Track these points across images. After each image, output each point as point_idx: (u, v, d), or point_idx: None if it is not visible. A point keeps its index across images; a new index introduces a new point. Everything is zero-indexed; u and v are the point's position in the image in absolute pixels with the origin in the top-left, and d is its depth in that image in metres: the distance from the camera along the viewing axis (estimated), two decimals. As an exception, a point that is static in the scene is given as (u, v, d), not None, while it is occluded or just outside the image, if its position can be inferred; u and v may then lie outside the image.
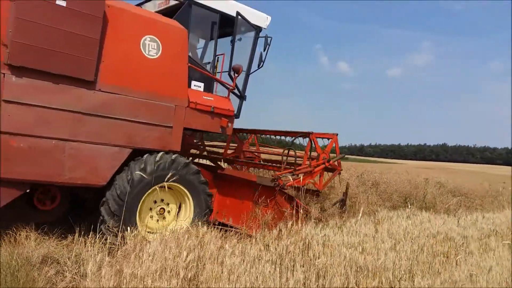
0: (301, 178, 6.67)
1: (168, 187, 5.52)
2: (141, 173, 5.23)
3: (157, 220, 5.76)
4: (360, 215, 6.67)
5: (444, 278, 4.89)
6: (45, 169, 4.68)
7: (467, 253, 6.41)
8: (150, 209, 5.68)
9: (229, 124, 6.59)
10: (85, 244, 4.53)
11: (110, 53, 5.06)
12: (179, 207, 6.00)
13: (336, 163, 7.38)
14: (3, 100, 4.39)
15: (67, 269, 4.02)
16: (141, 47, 5.39)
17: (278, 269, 4.23)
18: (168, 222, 5.82)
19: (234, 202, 7.03)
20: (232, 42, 6.81)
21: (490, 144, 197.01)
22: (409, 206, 9.15)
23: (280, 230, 5.76)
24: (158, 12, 6.43)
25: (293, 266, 4.54)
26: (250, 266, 4.18)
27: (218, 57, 6.79)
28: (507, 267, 5.59)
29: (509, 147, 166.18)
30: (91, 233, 4.51)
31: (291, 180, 6.44)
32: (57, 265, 4.19)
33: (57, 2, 4.60)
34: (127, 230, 4.91)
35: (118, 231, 4.93)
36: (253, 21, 6.90)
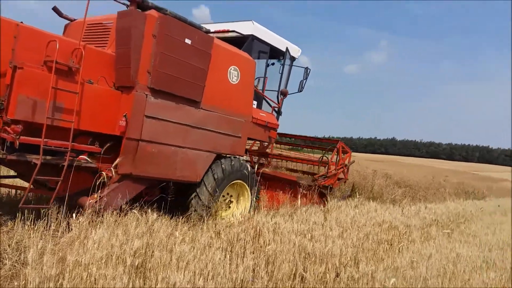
0: (328, 179, 8.92)
1: (233, 184, 7.01)
2: (231, 168, 6.77)
3: (224, 210, 6.96)
4: (299, 203, 7.43)
5: (387, 264, 5.10)
6: (166, 169, 5.86)
7: (410, 241, 6.72)
8: (223, 196, 6.97)
9: (276, 136, 8.35)
10: (27, 230, 4.32)
11: (210, 79, 6.27)
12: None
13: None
14: (145, 115, 5.46)
15: (6, 256, 3.83)
16: (228, 75, 6.69)
17: (228, 256, 4.23)
18: (231, 211, 7.10)
19: (272, 195, 8.58)
20: (282, 69, 8.44)
21: (435, 140, 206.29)
22: (357, 196, 9.45)
23: (231, 217, 5.91)
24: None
25: (244, 253, 4.58)
26: (200, 253, 4.17)
27: (259, 79, 8.13)
28: (446, 255, 5.91)
29: (453, 143, 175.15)
30: (31, 219, 4.32)
31: (323, 180, 8.75)
32: (-5, 252, 3.98)
33: (186, 41, 5.77)
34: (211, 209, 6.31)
35: (211, 208, 6.30)
36: (291, 52, 8.49)
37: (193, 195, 6.35)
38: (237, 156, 7.14)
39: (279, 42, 8.27)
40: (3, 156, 4.56)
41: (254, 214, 6.50)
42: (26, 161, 4.68)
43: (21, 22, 4.74)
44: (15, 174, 6.15)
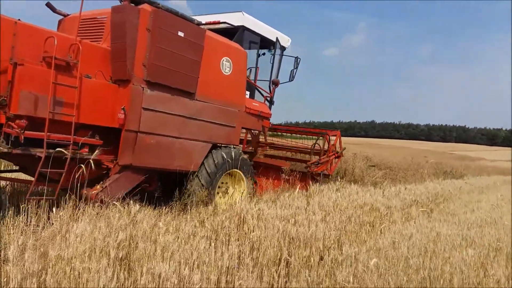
0: (321, 166, 9.28)
1: (229, 173, 7.21)
2: (227, 157, 6.91)
3: (219, 197, 7.15)
4: (297, 190, 7.42)
5: (369, 245, 5.19)
6: (164, 159, 6.07)
7: (391, 222, 6.85)
8: (218, 187, 7.11)
9: (269, 124, 8.67)
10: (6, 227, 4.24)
11: (203, 71, 6.43)
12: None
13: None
14: (142, 108, 5.63)
15: (-14, 254, 3.76)
16: (220, 66, 6.86)
17: (213, 244, 4.24)
18: (227, 199, 7.22)
19: (265, 182, 8.77)
20: (273, 59, 8.75)
21: (413, 121, 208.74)
22: (339, 179, 9.55)
23: (216, 206, 5.94)
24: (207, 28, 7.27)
25: (228, 240, 4.59)
26: (184, 243, 4.16)
27: (251, 69, 8.31)
28: (426, 234, 6.04)
29: (431, 124, 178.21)
30: (10, 214, 4.24)
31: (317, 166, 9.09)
32: (-26, 251, 3.89)
33: (179, 33, 5.93)
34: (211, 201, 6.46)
35: (207, 200, 6.38)
36: (281, 42, 8.73)
37: (191, 184, 6.49)
38: (232, 146, 7.29)
39: (269, 32, 8.46)
40: (9, 150, 4.68)
41: (239, 201, 6.52)
42: (30, 154, 4.81)
43: (19, 20, 4.83)
44: (12, 168, 6.35)
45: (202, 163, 6.64)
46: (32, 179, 5.64)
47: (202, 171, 6.60)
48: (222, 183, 7.20)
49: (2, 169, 7.16)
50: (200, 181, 6.54)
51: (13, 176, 6.28)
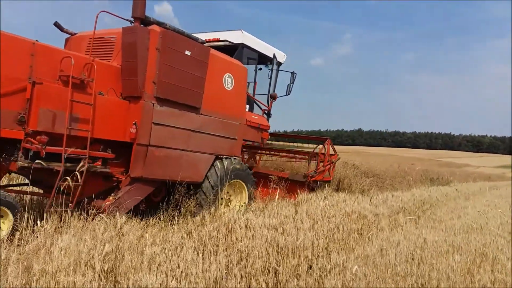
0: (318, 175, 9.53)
1: (231, 184, 7.40)
2: (229, 168, 7.14)
3: (223, 205, 7.34)
4: (276, 198, 7.56)
5: (357, 253, 5.20)
6: (172, 171, 6.27)
7: (378, 229, 6.88)
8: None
9: (268, 136, 9.11)
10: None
11: (207, 87, 6.73)
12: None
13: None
14: (153, 123, 5.91)
15: (-33, 270, 3.67)
16: (223, 82, 7.17)
17: (200, 255, 4.20)
18: (230, 208, 7.29)
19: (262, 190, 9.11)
20: (270, 74, 9.24)
21: (400, 129, 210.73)
22: (327, 188, 9.58)
23: (203, 216, 5.92)
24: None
25: (216, 251, 4.56)
26: (171, 254, 4.12)
27: (249, 84, 8.56)
28: (413, 241, 6.08)
29: (417, 132, 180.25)
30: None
31: (315, 175, 9.33)
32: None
33: (186, 52, 6.25)
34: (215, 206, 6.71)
35: (213, 202, 6.76)
36: (277, 58, 9.21)
37: (197, 194, 6.73)
38: (234, 157, 7.53)
39: (266, 49, 8.95)
40: (29, 164, 4.85)
41: (227, 211, 6.55)
42: (47, 168, 4.95)
43: (36, 41, 5.05)
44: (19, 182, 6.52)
45: (207, 173, 6.88)
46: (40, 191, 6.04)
47: (207, 181, 6.86)
48: (225, 192, 7.37)
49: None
50: (205, 189, 6.81)
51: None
